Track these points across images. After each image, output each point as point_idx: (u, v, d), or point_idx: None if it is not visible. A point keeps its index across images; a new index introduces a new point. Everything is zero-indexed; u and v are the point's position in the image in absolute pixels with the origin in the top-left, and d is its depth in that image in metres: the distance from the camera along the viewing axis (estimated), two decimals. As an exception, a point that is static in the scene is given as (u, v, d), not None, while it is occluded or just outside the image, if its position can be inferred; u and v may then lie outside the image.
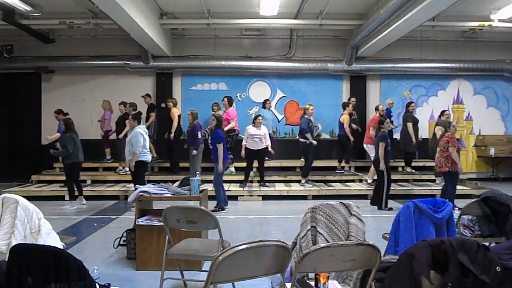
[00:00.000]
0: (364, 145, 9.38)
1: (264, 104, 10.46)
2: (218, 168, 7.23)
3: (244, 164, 9.02)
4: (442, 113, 9.31)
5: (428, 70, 11.19)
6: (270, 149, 8.65)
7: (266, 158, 10.20)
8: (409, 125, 9.65)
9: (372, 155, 8.58)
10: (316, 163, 9.53)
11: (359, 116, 10.45)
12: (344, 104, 10.00)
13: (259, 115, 8.84)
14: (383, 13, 7.85)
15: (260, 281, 3.43)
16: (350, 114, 9.82)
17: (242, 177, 9.03)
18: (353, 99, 10.37)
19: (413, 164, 10.07)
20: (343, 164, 10.02)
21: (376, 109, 9.39)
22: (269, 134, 9.13)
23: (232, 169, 9.63)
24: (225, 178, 8.84)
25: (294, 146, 10.06)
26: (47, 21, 9.50)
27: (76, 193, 7.82)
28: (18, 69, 10.80)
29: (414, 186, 9.23)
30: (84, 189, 8.70)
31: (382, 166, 7.39)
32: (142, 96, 10.20)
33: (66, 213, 7.39)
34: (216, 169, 7.28)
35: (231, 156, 9.21)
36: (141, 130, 7.16)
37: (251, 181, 9.21)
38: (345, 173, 9.89)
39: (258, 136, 8.46)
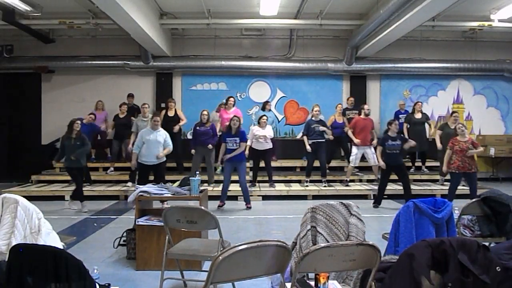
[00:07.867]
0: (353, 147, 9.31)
1: (264, 106, 10.16)
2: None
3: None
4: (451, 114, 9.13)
5: (428, 70, 11.18)
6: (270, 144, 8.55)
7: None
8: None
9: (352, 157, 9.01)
10: (316, 163, 9.50)
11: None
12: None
13: (264, 115, 8.71)
14: (383, 13, 7.85)
15: (260, 281, 3.42)
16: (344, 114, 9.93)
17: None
18: (352, 99, 10.46)
19: (414, 164, 10.11)
20: None
21: (362, 109, 9.22)
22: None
23: None
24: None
25: (294, 146, 10.01)
26: (47, 21, 9.49)
27: None
28: (18, 69, 10.78)
29: (414, 186, 9.19)
30: (84, 189, 8.74)
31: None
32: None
33: (66, 213, 7.39)
34: (244, 169, 7.66)
35: None
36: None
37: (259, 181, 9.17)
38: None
39: (263, 136, 8.34)
